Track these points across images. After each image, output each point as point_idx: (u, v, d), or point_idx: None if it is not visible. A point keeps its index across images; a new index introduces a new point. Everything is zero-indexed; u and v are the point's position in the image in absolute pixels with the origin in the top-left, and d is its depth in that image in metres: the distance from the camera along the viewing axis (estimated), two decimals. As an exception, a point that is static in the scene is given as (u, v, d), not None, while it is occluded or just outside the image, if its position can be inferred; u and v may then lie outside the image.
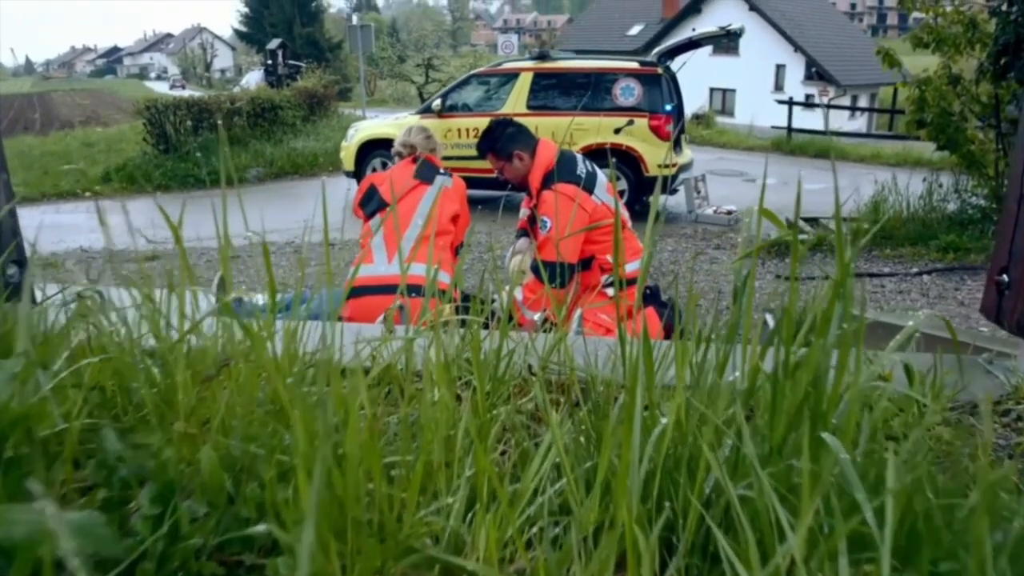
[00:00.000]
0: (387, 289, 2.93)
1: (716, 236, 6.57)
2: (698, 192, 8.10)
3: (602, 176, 3.31)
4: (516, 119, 3.57)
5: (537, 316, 3.51)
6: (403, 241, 2.96)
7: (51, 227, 8.01)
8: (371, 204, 3.09)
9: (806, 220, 6.62)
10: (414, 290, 2.95)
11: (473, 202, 7.40)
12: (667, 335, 3.63)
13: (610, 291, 3.40)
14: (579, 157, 3.29)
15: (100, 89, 53.14)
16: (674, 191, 7.92)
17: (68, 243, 7.04)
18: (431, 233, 3.00)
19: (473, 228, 7.35)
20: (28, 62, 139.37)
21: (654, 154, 7.49)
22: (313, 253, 6.17)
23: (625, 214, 3.38)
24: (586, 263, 3.32)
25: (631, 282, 3.52)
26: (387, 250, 2.94)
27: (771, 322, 2.17)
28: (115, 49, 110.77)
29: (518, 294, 3.35)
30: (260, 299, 3.98)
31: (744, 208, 7.83)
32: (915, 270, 4.59)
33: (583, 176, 3.16)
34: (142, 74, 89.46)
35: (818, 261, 5.29)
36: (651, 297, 3.73)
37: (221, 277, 3.58)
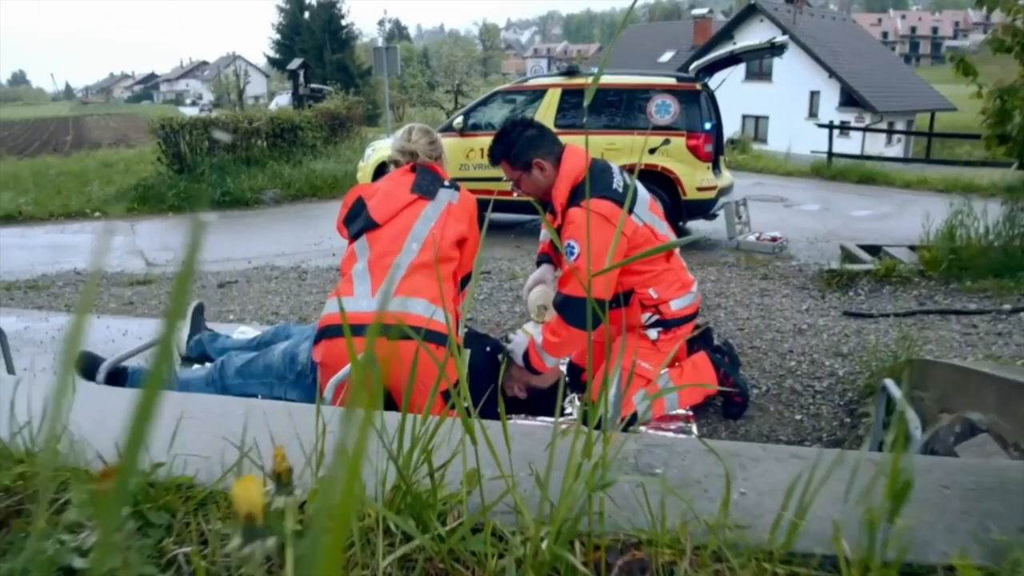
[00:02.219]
0: (367, 331, 2.37)
1: (762, 264, 5.95)
2: (739, 217, 7.49)
3: (643, 192, 2.74)
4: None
5: (560, 364, 2.93)
6: (394, 270, 2.41)
7: (51, 248, 7.65)
8: (357, 222, 2.54)
9: (866, 249, 5.97)
10: (403, 333, 2.37)
11: (496, 227, 6.71)
12: (721, 384, 3.03)
13: (653, 333, 2.81)
14: (615, 168, 2.71)
15: (135, 114, 53.99)
16: (713, 216, 7.32)
17: (63, 265, 6.62)
18: (429, 260, 2.45)
19: (492, 252, 6.85)
20: (68, 88, 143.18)
21: (692, 176, 6.91)
22: (318, 280, 5.67)
23: (672, 238, 2.80)
24: (623, 298, 2.74)
25: (681, 322, 2.94)
26: (372, 281, 2.39)
27: (894, 390, 1.58)
28: (152, 76, 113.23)
29: (536, 334, 2.78)
30: (247, 330, 3.40)
31: (789, 234, 7.22)
32: (1008, 307, 3.93)
33: (620, 191, 2.60)
34: (178, 100, 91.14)
35: (887, 295, 4.64)
36: (701, 340, 3.14)
37: (198, 305, 3.03)
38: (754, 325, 4.06)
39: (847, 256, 5.83)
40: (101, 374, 2.99)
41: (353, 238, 2.52)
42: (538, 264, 3.11)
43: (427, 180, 2.57)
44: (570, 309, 2.55)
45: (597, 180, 2.61)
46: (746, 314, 4.32)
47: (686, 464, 0.98)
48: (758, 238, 7.23)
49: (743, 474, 0.95)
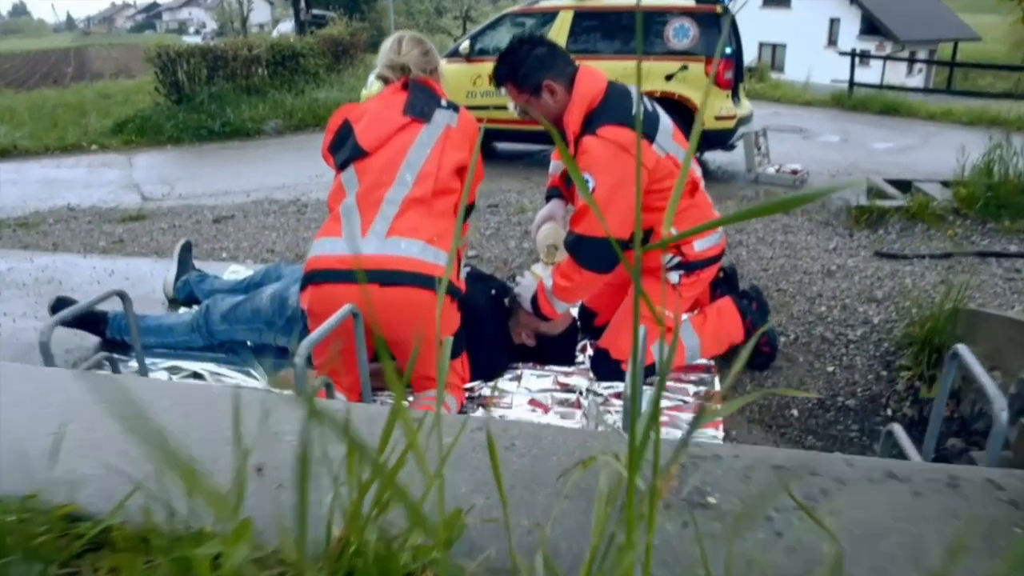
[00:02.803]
0: (357, 276, 2.14)
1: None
2: (759, 149, 7.13)
3: (666, 119, 2.45)
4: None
5: (571, 310, 2.69)
6: (385, 205, 2.15)
7: (46, 183, 7.40)
8: (343, 150, 2.28)
9: (894, 184, 5.64)
10: (398, 278, 2.14)
11: (504, 157, 6.35)
12: (747, 335, 2.79)
13: (674, 276, 2.56)
14: (634, 92, 2.42)
15: (137, 44, 52.75)
16: (732, 147, 6.97)
17: (56, 200, 6.38)
18: (425, 193, 2.19)
19: (499, 184, 6.54)
20: (69, 19, 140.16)
21: (711, 104, 6.53)
22: (318, 214, 5.41)
23: (698, 171, 2.52)
24: (641, 238, 2.48)
25: (704, 264, 2.69)
26: (361, 219, 2.14)
27: (970, 361, 1.33)
28: (154, 4, 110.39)
29: (546, 277, 2.53)
30: (239, 269, 3.16)
31: (809, 167, 6.87)
32: (1054, 249, 3.65)
33: (640, 118, 2.31)
34: (181, 29, 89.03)
35: (920, 234, 4.35)
36: (726, 283, 2.88)
37: (185, 244, 2.78)
38: (779, 265, 3.79)
39: (874, 191, 5.51)
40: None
41: (340, 168, 2.26)
42: (547, 199, 2.84)
43: (421, 99, 2.28)
44: (584, 250, 2.30)
45: (614, 105, 2.31)
46: (769, 253, 4.05)
47: (747, 488, 0.75)
48: (778, 171, 6.91)
49: (827, 503, 0.71)
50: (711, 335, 2.60)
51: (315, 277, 2.08)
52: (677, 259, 2.46)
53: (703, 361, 2.69)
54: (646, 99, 2.50)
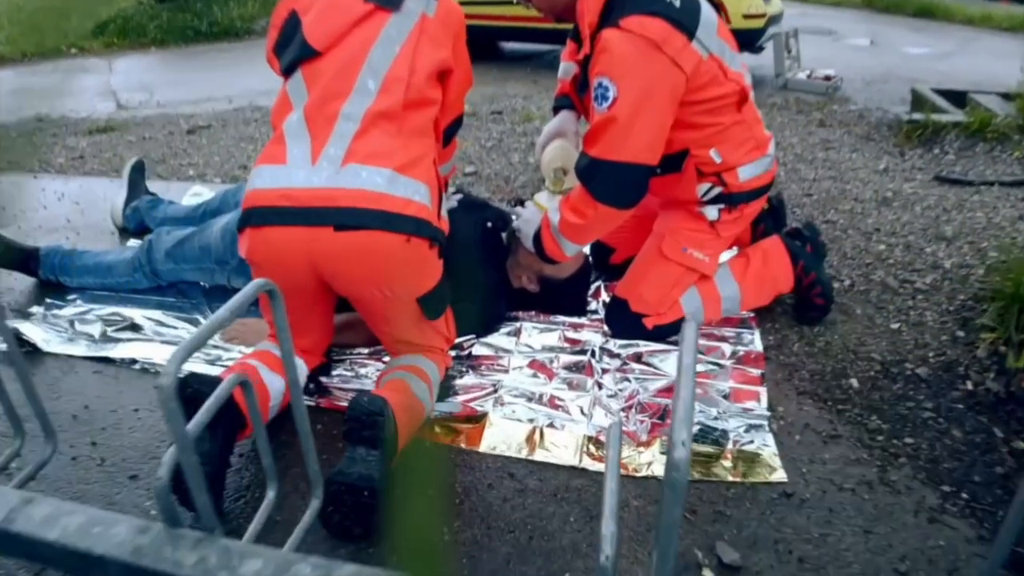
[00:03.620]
0: (305, 217, 1.66)
1: (816, 108, 5.05)
2: (789, 51, 6.44)
3: (708, 8, 1.90)
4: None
5: (582, 250, 2.22)
6: (341, 122, 1.66)
7: (18, 92, 6.80)
8: (289, 50, 1.76)
9: (943, 94, 5.01)
10: (357, 218, 1.62)
11: (510, 59, 5.61)
12: (797, 283, 2.31)
13: (712, 211, 2.08)
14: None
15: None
16: (760, 49, 6.29)
17: (25, 111, 5.83)
18: (394, 105, 1.69)
19: (504, 88, 5.94)
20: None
21: (738, 1, 5.80)
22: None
23: (747, 77, 2.00)
24: (674, 162, 1.98)
25: (750, 196, 2.19)
26: (311, 140, 1.65)
27: None
28: None
29: (552, 210, 2.06)
30: (201, 191, 2.69)
31: (841, 73, 6.20)
32: None
33: (677, 6, 1.78)
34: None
35: (982, 155, 3.79)
36: (772, 217, 2.39)
37: (136, 163, 2.29)
38: (824, 189, 3.28)
39: (920, 102, 4.89)
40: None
41: (285, 72, 1.76)
42: (555, 111, 2.32)
43: None
44: (600, 178, 1.81)
45: (642, -9, 1.77)
46: (812, 173, 3.53)
47: None
48: (809, 76, 6.25)
49: None
50: (754, 283, 2.14)
51: (252, 218, 1.61)
52: (717, 189, 1.97)
53: (743, 314, 2.23)
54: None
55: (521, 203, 3.21)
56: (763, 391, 1.95)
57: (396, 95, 1.65)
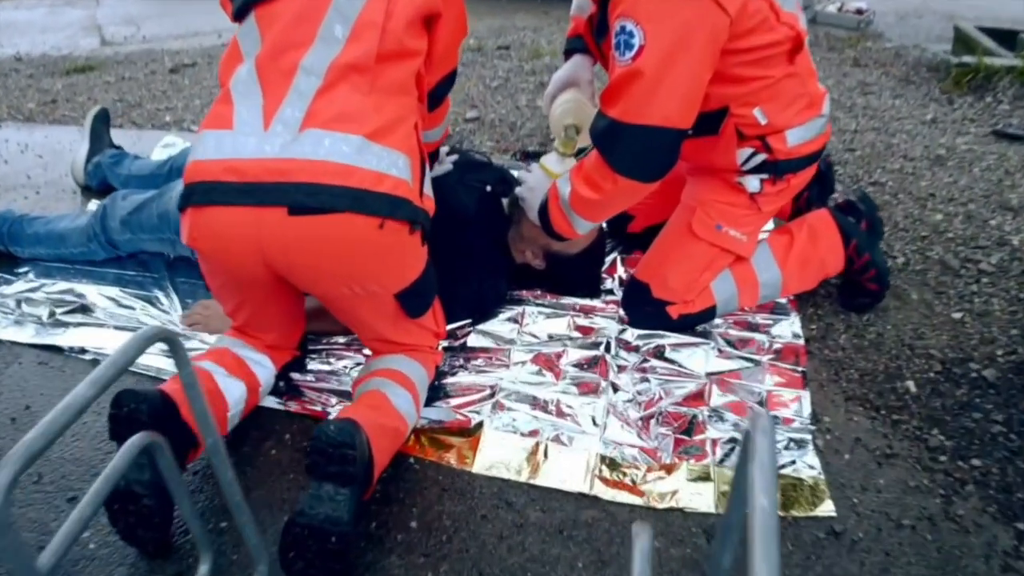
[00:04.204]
0: (252, 194, 1.35)
1: (848, 44, 4.63)
2: (818, -19, 5.97)
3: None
4: None
5: (594, 227, 1.92)
6: (300, 77, 1.35)
7: (2, 29, 6.44)
8: None
9: (989, 33, 4.55)
10: (317, 198, 1.25)
11: None
12: (849, 264, 1.99)
13: (752, 182, 1.76)
14: None
15: None
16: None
17: (6, 49, 5.47)
18: (366, 56, 1.37)
19: (512, 20, 5.52)
20: None
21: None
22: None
23: (802, 20, 1.65)
24: (710, 122, 1.66)
25: (799, 165, 1.86)
26: (265, 99, 1.34)
27: None
28: None
29: (561, 178, 1.75)
30: (174, 142, 2.38)
31: (872, 5, 5.72)
32: None
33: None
34: None
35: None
36: (817, 183, 2.06)
37: (99, 112, 1.97)
38: (868, 143, 2.93)
39: (963, 41, 4.45)
40: None
41: (236, 17, 1.44)
42: (566, 54, 1.97)
43: None
44: (621, 145, 1.50)
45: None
46: (852, 124, 3.17)
47: None
48: (840, 9, 5.78)
49: None
50: (798, 266, 1.84)
51: (193, 195, 1.32)
52: (761, 156, 1.65)
53: (782, 300, 1.94)
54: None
55: (527, 157, 2.89)
56: (806, 395, 1.67)
57: (368, 43, 1.33)
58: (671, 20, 1.40)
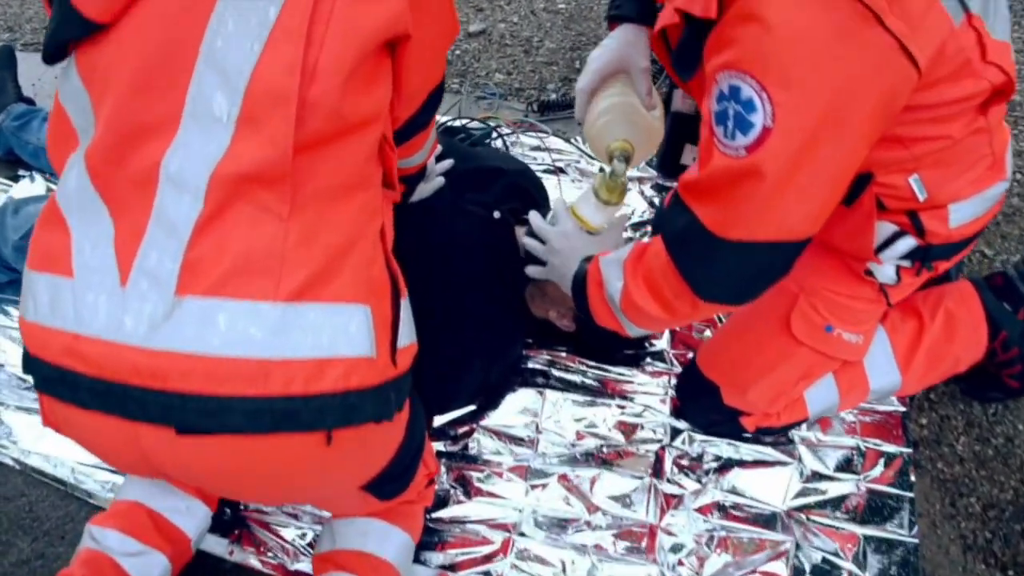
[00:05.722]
0: (117, 402, 0.74)
1: None
2: None
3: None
4: None
5: (641, 332, 1.33)
6: (163, 195, 0.77)
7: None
8: (53, 17, 0.83)
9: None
10: (219, 418, 0.70)
11: None
12: (991, 356, 1.41)
13: (887, 271, 1.21)
14: None
15: None
16: None
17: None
18: (276, 156, 0.80)
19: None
20: None
21: None
22: None
23: (1012, 53, 1.05)
24: (849, 196, 1.10)
25: (954, 250, 1.27)
26: (114, 227, 0.77)
27: None
28: None
29: (607, 260, 1.21)
30: None
31: None
32: None
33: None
34: None
35: None
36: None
37: (3, 48, 1.44)
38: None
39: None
40: None
41: (49, 60, 0.86)
42: (610, 21, 1.34)
43: None
44: (713, 267, 0.97)
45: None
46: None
47: None
48: None
49: None
50: (925, 367, 1.33)
51: (45, 381, 0.82)
52: (909, 241, 1.11)
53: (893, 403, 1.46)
54: None
55: (545, 108, 2.25)
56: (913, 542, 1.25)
57: (276, 129, 0.77)
58: (822, 85, 0.83)
